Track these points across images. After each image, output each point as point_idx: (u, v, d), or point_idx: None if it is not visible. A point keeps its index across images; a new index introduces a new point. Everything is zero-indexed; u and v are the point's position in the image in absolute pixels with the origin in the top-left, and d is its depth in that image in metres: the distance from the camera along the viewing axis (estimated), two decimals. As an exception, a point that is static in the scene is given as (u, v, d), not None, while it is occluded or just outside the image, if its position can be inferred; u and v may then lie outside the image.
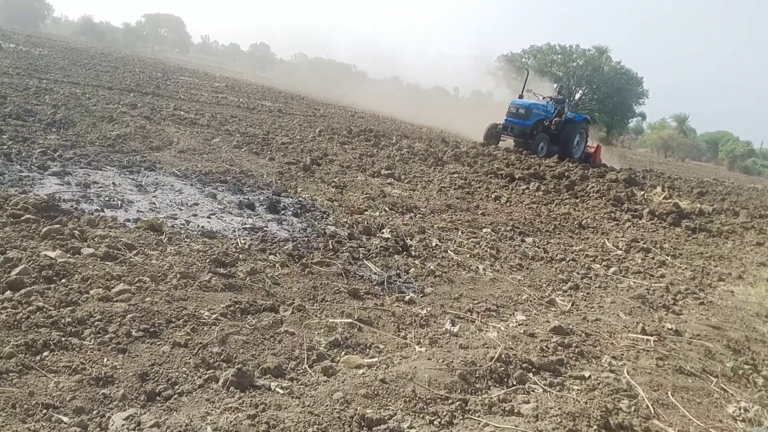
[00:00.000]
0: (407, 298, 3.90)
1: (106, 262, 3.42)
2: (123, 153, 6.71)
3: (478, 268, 4.89)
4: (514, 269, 5.11)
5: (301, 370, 2.71)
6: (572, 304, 4.40)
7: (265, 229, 4.86)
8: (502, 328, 3.62)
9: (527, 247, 5.97)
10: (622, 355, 3.50)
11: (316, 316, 3.34)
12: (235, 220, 4.97)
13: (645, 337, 3.83)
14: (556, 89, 20.16)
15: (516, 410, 2.61)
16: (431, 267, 4.65)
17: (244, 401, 2.35)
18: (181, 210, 4.96)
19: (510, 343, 3.34)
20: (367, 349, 3.05)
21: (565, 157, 16.53)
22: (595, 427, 2.52)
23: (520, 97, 19.00)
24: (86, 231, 3.87)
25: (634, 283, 5.32)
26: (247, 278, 3.64)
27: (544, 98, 18.90)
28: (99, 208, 4.50)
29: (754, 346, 4.04)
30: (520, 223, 7.03)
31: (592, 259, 6.00)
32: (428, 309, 3.75)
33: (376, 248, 4.84)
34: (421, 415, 2.44)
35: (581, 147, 18.37)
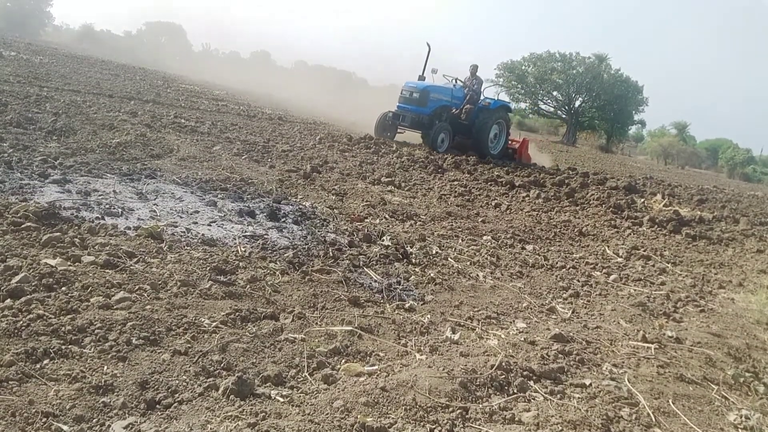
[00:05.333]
0: (407, 305, 3.90)
1: (107, 270, 3.42)
2: (123, 161, 6.73)
3: (478, 275, 4.89)
4: (515, 277, 5.11)
5: (302, 378, 2.71)
6: (573, 312, 4.39)
7: (266, 236, 4.86)
8: (503, 336, 3.62)
9: (527, 255, 5.97)
10: (623, 362, 3.49)
11: (317, 323, 3.34)
12: (236, 228, 4.98)
13: (646, 344, 3.83)
14: (470, 70, 15.83)
15: (517, 418, 2.60)
16: (431, 274, 4.65)
17: (244, 409, 2.34)
18: (181, 218, 4.97)
19: (510, 350, 3.34)
20: (368, 357, 3.05)
21: (480, 153, 14.02)
22: (596, 435, 2.52)
23: (421, 78, 15.06)
24: (86, 239, 3.87)
25: (635, 290, 5.32)
26: (248, 286, 3.64)
27: (452, 80, 15.35)
28: (99, 216, 4.51)
29: (755, 354, 4.03)
30: (521, 231, 7.03)
31: (592, 266, 6.00)
32: (429, 317, 3.74)
33: (377, 256, 4.84)
34: (422, 423, 2.44)
35: (501, 141, 15.38)
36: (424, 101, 14.04)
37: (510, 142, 15.94)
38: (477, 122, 14.56)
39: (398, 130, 14.97)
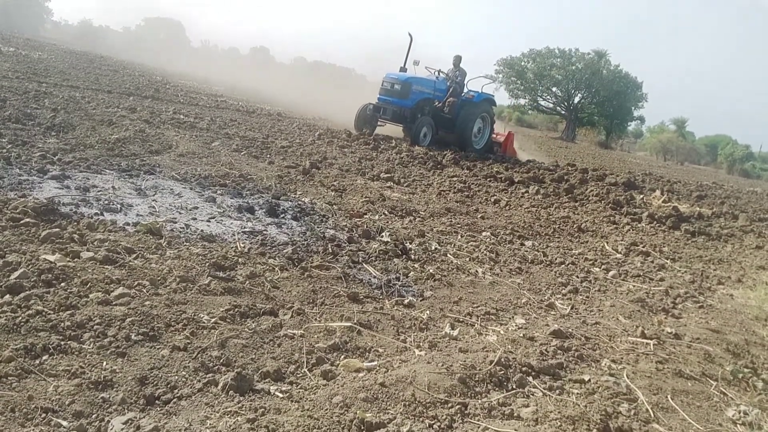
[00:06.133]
0: (406, 301, 3.90)
1: (106, 266, 3.42)
2: (122, 157, 6.72)
3: (477, 271, 4.89)
4: (514, 273, 5.11)
5: (301, 374, 2.71)
6: (572, 308, 4.40)
7: (265, 232, 4.86)
8: (502, 332, 3.62)
9: (526, 251, 5.97)
10: (622, 358, 3.50)
11: (316, 319, 3.34)
12: (235, 224, 4.97)
13: (644, 340, 3.83)
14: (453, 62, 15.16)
15: (515, 414, 2.61)
16: (431, 270, 4.65)
17: (243, 405, 2.34)
18: (180, 214, 4.96)
19: (509, 346, 3.34)
20: (367, 353, 3.05)
21: (464, 147, 13.82)
22: (594, 430, 2.52)
23: (403, 70, 14.52)
24: (86, 235, 3.87)
25: (634, 286, 5.32)
26: (247, 282, 3.64)
27: (435, 72, 14.81)
28: (98, 212, 4.51)
29: (753, 350, 4.04)
30: (520, 227, 7.03)
31: (591, 262, 6.00)
32: (428, 313, 3.74)
33: (376, 252, 4.84)
34: (421, 419, 2.44)
35: (485, 135, 14.95)
36: (406, 93, 13.55)
37: (495, 135, 15.55)
38: (460, 116, 14.10)
39: (379, 123, 14.39)
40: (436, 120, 14.07)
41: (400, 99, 13.60)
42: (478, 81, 15.56)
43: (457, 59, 15.05)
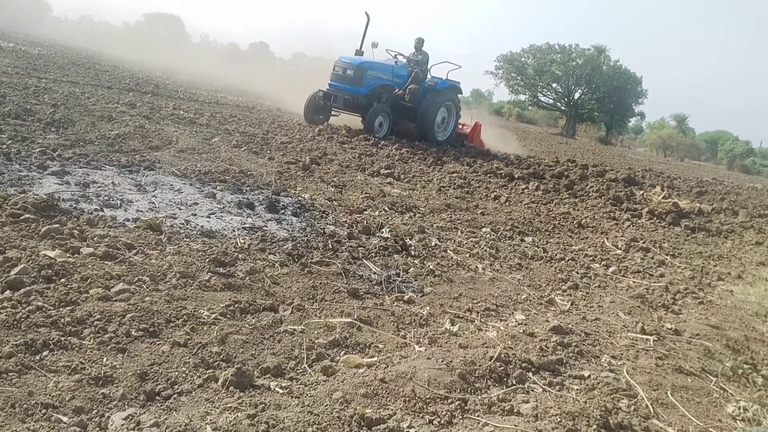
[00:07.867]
0: (406, 297, 3.90)
1: (106, 262, 3.42)
2: (122, 152, 6.71)
3: (477, 267, 4.89)
4: (514, 269, 5.11)
5: (301, 370, 2.71)
6: (571, 304, 4.40)
7: (265, 228, 4.86)
8: (502, 328, 3.62)
9: (527, 247, 5.97)
10: (622, 354, 3.50)
11: (316, 315, 3.34)
12: (235, 220, 4.97)
13: (644, 336, 3.83)
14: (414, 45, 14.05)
15: (515, 410, 2.61)
16: (431, 266, 4.65)
17: (243, 401, 2.35)
18: (180, 209, 4.96)
19: (509, 342, 3.34)
20: (367, 349, 3.05)
21: (427, 139, 13.03)
22: (594, 426, 2.52)
23: (359, 53, 13.28)
24: (85, 230, 3.87)
25: (634, 282, 5.32)
26: (247, 278, 3.64)
27: (394, 56, 13.67)
28: (98, 208, 4.50)
29: (753, 346, 4.04)
30: (520, 223, 7.03)
31: (591, 258, 6.00)
32: (428, 308, 3.75)
33: (376, 248, 4.84)
34: (421, 415, 2.44)
35: (450, 125, 13.98)
36: (359, 79, 12.37)
37: (460, 126, 14.76)
38: (422, 104, 13.06)
39: (333, 113, 13.29)
40: (395, 109, 13.11)
41: (353, 86, 12.45)
42: (443, 66, 14.40)
43: (420, 42, 13.99)
